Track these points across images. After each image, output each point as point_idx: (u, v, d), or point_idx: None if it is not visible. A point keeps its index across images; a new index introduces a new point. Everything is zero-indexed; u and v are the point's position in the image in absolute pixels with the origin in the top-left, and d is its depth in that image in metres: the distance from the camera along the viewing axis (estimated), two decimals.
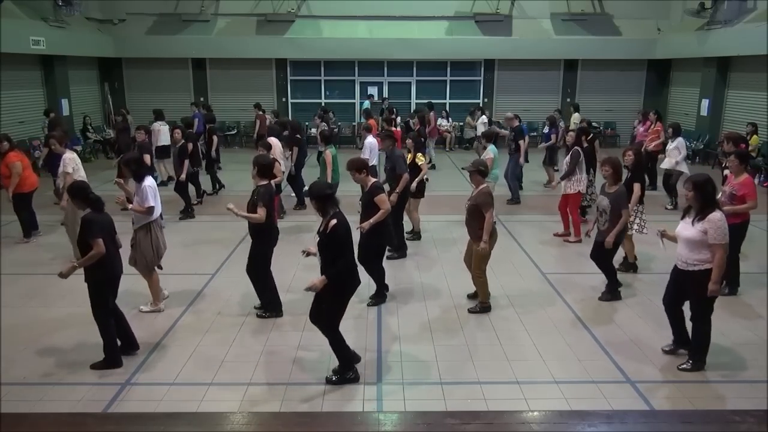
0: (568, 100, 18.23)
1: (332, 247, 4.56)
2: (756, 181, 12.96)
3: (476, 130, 14.94)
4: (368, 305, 6.36)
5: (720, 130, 15.60)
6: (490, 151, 9.01)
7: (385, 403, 4.55)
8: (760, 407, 4.37)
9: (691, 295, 4.94)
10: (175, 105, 16.22)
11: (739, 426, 3.88)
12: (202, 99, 17.94)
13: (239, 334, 5.68)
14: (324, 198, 4.65)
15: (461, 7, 18.08)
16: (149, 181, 6.02)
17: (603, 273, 6.57)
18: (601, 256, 6.46)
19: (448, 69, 18.99)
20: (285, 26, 17.86)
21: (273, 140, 9.37)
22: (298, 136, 10.76)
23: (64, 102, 15.93)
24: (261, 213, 5.66)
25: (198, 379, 4.86)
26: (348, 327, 5.76)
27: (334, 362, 5.10)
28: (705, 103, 16.04)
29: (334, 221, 4.55)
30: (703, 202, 4.74)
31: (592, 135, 10.25)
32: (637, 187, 7.06)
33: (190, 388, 4.72)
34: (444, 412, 4.36)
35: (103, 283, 4.94)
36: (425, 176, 8.42)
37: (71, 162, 7.67)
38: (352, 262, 4.75)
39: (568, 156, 8.69)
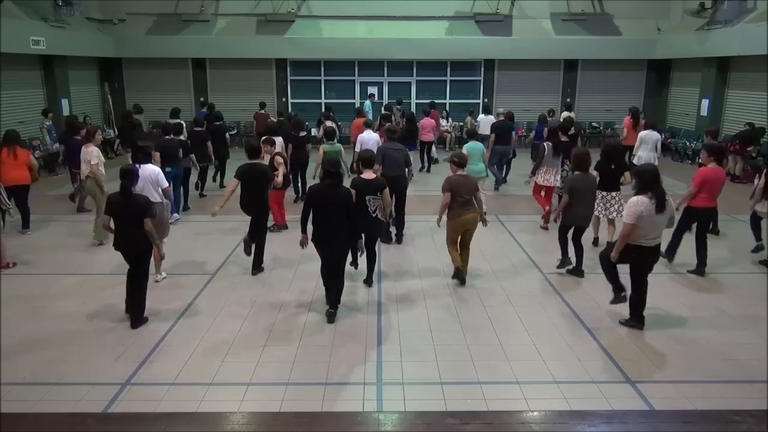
0: (568, 99, 18.24)
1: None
2: (756, 181, 12.94)
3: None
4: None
5: (720, 131, 15.60)
6: (465, 148, 9.58)
7: (385, 403, 4.55)
8: (760, 407, 4.37)
9: None
10: (176, 105, 16.17)
11: (739, 426, 3.88)
12: (202, 99, 17.97)
13: (239, 334, 5.68)
14: (325, 172, 5.86)
15: (461, 7, 18.07)
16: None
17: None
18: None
19: (448, 69, 18.98)
20: (285, 26, 17.86)
21: (277, 139, 9.60)
22: (294, 133, 10.77)
23: (64, 102, 15.91)
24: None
25: (198, 379, 4.86)
26: (348, 325, 5.81)
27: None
28: (705, 103, 16.02)
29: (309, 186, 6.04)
30: (638, 188, 5.40)
31: (573, 131, 10.61)
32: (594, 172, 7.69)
33: (190, 388, 4.72)
34: (444, 412, 4.36)
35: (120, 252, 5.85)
36: (411, 175, 8.97)
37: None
38: (318, 225, 5.81)
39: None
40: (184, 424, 4.08)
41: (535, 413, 4.36)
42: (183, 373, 4.96)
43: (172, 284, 6.95)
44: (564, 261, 7.41)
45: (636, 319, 5.76)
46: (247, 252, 7.20)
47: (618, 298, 5.94)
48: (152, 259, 6.24)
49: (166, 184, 7.06)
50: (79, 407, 4.43)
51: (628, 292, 5.82)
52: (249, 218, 7.33)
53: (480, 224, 6.96)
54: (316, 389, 4.71)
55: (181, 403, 4.50)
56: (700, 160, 7.31)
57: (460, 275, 6.92)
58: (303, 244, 6.08)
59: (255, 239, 7.24)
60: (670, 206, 5.43)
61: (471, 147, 9.61)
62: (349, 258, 6.56)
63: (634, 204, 5.31)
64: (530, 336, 5.66)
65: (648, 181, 5.33)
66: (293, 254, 7.86)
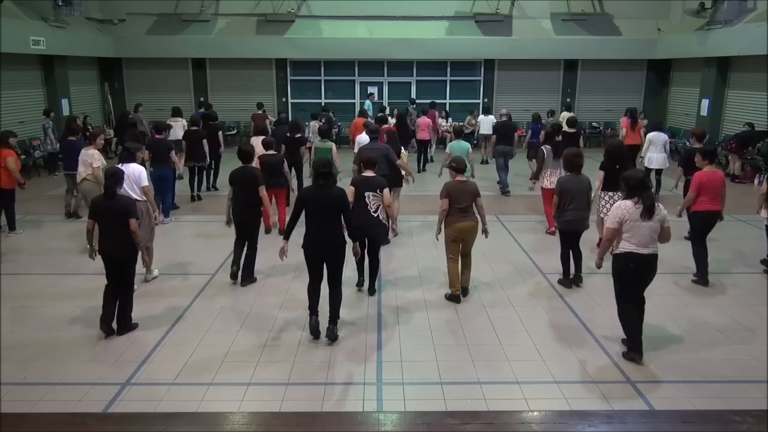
0: (568, 99, 18.25)
1: None
2: (756, 181, 12.97)
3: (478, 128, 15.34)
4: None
5: (720, 130, 15.62)
6: (449, 147, 9.62)
7: (385, 403, 4.55)
8: (760, 407, 4.37)
9: None
10: (175, 105, 16.17)
11: (739, 426, 3.89)
12: (201, 99, 17.97)
13: (239, 334, 5.69)
14: (316, 173, 5.56)
15: (461, 7, 18.07)
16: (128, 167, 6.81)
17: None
18: None
19: (448, 69, 18.99)
20: (285, 26, 17.86)
21: (253, 142, 9.74)
22: (289, 134, 10.77)
23: (64, 102, 15.91)
24: (262, 192, 6.99)
25: (198, 379, 4.86)
26: (348, 325, 5.82)
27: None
28: (705, 103, 16.02)
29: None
30: (625, 192, 5.31)
31: (575, 130, 10.89)
32: (599, 174, 7.76)
33: (190, 388, 4.73)
34: (444, 412, 4.36)
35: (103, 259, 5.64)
36: (403, 173, 8.86)
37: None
38: (310, 228, 5.52)
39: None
40: (184, 424, 4.08)
41: (535, 413, 4.36)
42: (183, 373, 4.96)
43: (170, 285, 6.94)
44: (564, 281, 7.00)
45: (634, 350, 5.20)
46: (234, 274, 6.97)
47: (632, 353, 5.21)
48: (139, 263, 6.18)
49: (146, 182, 6.98)
50: (79, 407, 4.43)
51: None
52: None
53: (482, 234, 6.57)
54: (316, 389, 4.71)
55: (181, 403, 4.49)
56: (697, 164, 7.10)
57: (455, 299, 6.48)
58: (283, 253, 5.56)
59: (246, 246, 6.99)
60: (660, 214, 5.08)
61: (456, 146, 9.56)
62: (356, 277, 6.68)
63: (616, 207, 5.17)
64: (530, 336, 5.66)
65: (633, 186, 5.14)
66: (291, 258, 7.85)
